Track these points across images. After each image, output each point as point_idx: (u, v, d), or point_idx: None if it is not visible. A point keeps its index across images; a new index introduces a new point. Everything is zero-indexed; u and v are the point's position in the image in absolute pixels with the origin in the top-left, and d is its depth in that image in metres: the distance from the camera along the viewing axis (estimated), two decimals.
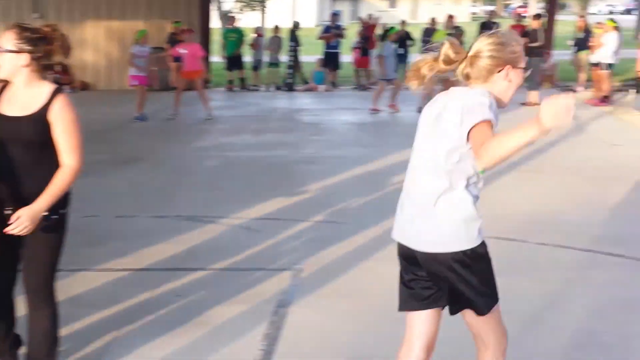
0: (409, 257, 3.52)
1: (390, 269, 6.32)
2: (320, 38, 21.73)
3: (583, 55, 18.98)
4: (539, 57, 16.92)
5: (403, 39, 20.11)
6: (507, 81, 3.38)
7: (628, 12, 67.51)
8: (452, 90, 3.39)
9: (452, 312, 3.49)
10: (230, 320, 5.35)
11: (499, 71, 3.35)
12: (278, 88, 21.03)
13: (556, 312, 5.45)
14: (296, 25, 21.83)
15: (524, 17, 27.98)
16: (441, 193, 3.30)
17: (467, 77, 3.39)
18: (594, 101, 16.61)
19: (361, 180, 9.76)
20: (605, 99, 16.40)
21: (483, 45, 3.35)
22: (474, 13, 77.84)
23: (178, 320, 5.32)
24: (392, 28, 17.38)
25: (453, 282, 3.35)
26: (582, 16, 22.35)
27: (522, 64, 3.40)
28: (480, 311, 3.37)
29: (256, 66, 21.44)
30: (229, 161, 11.15)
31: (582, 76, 19.09)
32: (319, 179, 9.76)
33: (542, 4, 62.75)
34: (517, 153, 3.01)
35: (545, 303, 5.62)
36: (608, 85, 16.44)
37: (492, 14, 24.09)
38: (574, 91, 18.76)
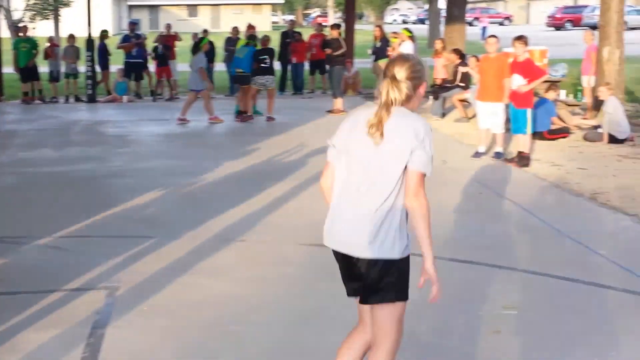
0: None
1: (208, 283, 6.26)
2: (119, 47, 21.17)
3: (382, 63, 19.67)
4: (342, 65, 17.37)
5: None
6: (421, 95, 3.72)
7: (421, 21, 70.98)
8: (395, 110, 3.59)
9: (365, 301, 3.69)
10: (43, 346, 5.05)
11: (418, 89, 3.67)
12: (78, 99, 20.26)
13: None
14: (104, 34, 21.18)
15: (325, 26, 28.64)
16: (390, 205, 3.53)
17: (393, 101, 3.60)
18: None
19: (172, 192, 9.57)
20: None
21: (404, 71, 3.62)
22: (274, 22, 79.00)
23: None
24: (203, 39, 17.24)
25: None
26: (378, 26, 23.20)
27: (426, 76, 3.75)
28: (390, 297, 3.61)
29: (54, 77, 20.55)
30: (29, 178, 10.58)
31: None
32: (128, 193, 9.46)
33: (340, 14, 64.82)
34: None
35: None
36: None
37: (292, 23, 24.33)
38: (377, 98, 19.43)
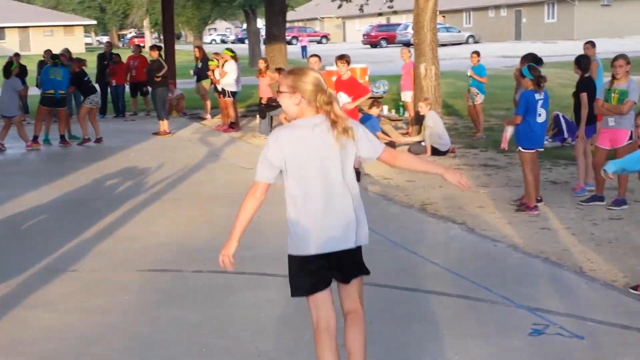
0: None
1: (43, 316, 5.93)
2: None
3: (204, 84, 19.58)
4: (165, 87, 17.11)
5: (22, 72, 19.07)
6: None
7: (240, 41, 71.39)
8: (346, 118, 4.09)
9: (348, 281, 4.26)
10: None
11: None
12: None
13: (223, 337, 5.47)
14: None
15: (142, 47, 28.17)
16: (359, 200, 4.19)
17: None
18: (222, 128, 17.22)
19: None
20: (233, 125, 17.08)
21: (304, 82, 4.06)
22: (88, 43, 76.98)
23: None
24: (12, 63, 16.43)
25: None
26: (198, 46, 23.09)
27: None
28: (367, 271, 4.33)
29: None
30: None
31: (208, 104, 19.69)
32: None
33: (157, 35, 63.99)
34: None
35: (210, 329, 5.62)
36: (234, 111, 17.15)
37: (109, 45, 23.72)
38: (203, 118, 19.31)
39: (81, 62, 16.42)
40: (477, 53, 15.42)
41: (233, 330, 5.62)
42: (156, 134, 16.49)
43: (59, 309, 6.15)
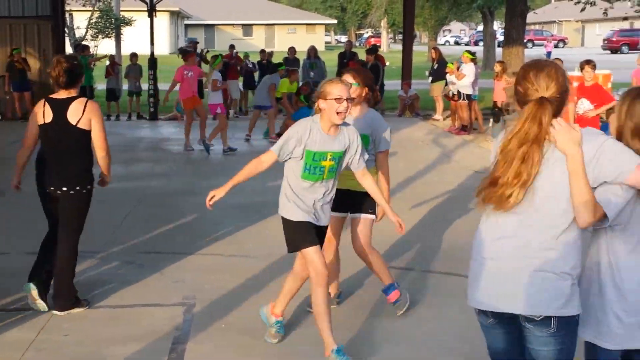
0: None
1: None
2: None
3: (438, 85, 19.65)
4: None
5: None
6: None
7: (475, 43, 70.73)
8: None
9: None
10: (128, 359, 5.17)
11: None
12: (140, 117, 20.60)
13: None
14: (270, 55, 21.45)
15: (379, 47, 28.81)
16: None
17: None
18: (454, 130, 17.25)
19: (242, 209, 9.62)
20: (464, 128, 17.05)
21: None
22: (327, 42, 79.56)
23: None
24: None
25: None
26: (434, 48, 23.21)
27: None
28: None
29: (115, 95, 20.87)
30: (97, 194, 10.75)
31: (440, 105, 19.76)
32: (197, 210, 9.58)
33: (392, 35, 64.83)
34: None
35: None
36: (467, 114, 17.09)
37: (349, 43, 24.48)
38: (436, 120, 19.44)
39: None
40: None
41: None
42: None
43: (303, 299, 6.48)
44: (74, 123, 5.87)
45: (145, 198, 10.55)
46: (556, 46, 65.90)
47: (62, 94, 5.97)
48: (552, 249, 3.25)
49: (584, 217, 3.18)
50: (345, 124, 5.09)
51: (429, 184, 11.38)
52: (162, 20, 55.35)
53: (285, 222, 5.13)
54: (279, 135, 15.78)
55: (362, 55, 22.24)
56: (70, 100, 5.93)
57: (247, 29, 70.94)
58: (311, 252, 5.04)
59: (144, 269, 7.21)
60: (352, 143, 5.11)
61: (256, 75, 21.85)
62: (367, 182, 5.30)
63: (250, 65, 22.21)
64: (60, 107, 5.90)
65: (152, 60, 20.72)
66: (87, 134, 5.93)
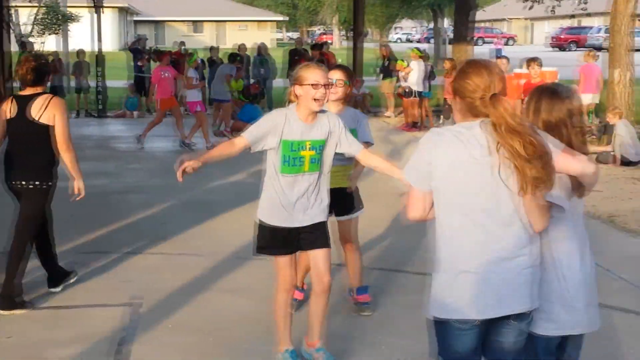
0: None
1: (233, 300, 6.25)
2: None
3: (388, 82, 19.74)
4: None
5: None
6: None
7: (427, 40, 71.07)
8: None
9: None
10: None
11: None
12: (88, 114, 20.30)
13: None
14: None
15: (330, 43, 28.85)
16: None
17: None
18: (404, 127, 17.33)
19: (189, 208, 9.55)
20: (415, 125, 17.14)
21: None
22: (279, 39, 79.35)
23: None
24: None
25: None
26: (384, 45, 23.29)
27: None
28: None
29: (60, 92, 20.52)
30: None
31: (391, 102, 19.84)
32: (144, 209, 9.46)
33: (344, 32, 65.00)
34: None
35: None
36: (417, 111, 17.19)
37: (300, 41, 24.50)
38: (387, 117, 19.51)
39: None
40: None
41: None
42: None
43: (252, 296, 6.40)
44: (35, 118, 5.91)
45: (90, 197, 10.32)
46: (506, 44, 66.58)
47: (28, 91, 6.05)
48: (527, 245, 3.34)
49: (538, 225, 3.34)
50: (323, 111, 4.78)
51: (380, 180, 11.37)
52: (110, 17, 54.63)
53: (261, 224, 4.83)
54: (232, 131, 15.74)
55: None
56: (35, 96, 6.00)
57: (198, 25, 70.39)
58: (282, 261, 4.85)
59: (90, 269, 7.08)
60: (335, 127, 4.77)
61: (205, 72, 21.66)
62: (376, 161, 4.90)
63: (199, 62, 22.01)
64: (24, 103, 5.98)
65: (100, 57, 20.42)
66: (48, 129, 5.94)
